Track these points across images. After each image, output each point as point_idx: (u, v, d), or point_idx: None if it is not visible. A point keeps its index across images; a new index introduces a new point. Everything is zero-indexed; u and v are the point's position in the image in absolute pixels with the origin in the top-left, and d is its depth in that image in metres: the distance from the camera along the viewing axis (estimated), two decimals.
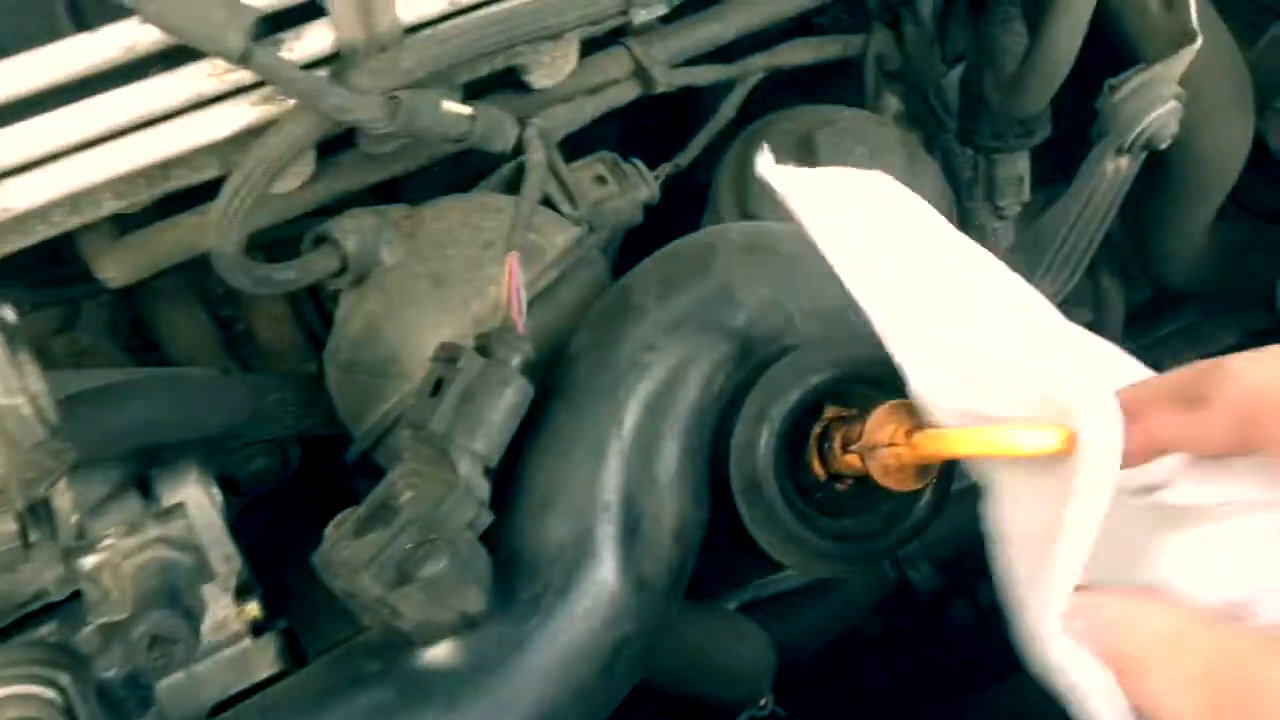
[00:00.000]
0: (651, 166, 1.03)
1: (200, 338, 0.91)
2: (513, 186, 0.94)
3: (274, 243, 0.78)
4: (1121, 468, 0.38)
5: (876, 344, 0.68)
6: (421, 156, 0.75)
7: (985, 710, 1.20)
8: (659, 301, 0.68)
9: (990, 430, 0.58)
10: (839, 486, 0.67)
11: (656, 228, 1.04)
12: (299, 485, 0.95)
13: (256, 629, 0.73)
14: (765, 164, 0.45)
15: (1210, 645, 0.33)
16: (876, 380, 0.66)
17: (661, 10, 0.76)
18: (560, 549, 0.64)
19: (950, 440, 0.60)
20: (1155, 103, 0.81)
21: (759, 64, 1.00)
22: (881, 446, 0.63)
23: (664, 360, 0.66)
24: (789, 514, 0.65)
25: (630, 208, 0.97)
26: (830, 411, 0.67)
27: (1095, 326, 1.32)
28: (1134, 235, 1.17)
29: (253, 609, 0.73)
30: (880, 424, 0.65)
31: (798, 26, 1.05)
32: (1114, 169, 0.85)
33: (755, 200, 0.95)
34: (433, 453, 0.61)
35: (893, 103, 1.16)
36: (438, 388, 0.62)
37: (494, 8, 0.63)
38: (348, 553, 0.60)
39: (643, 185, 0.98)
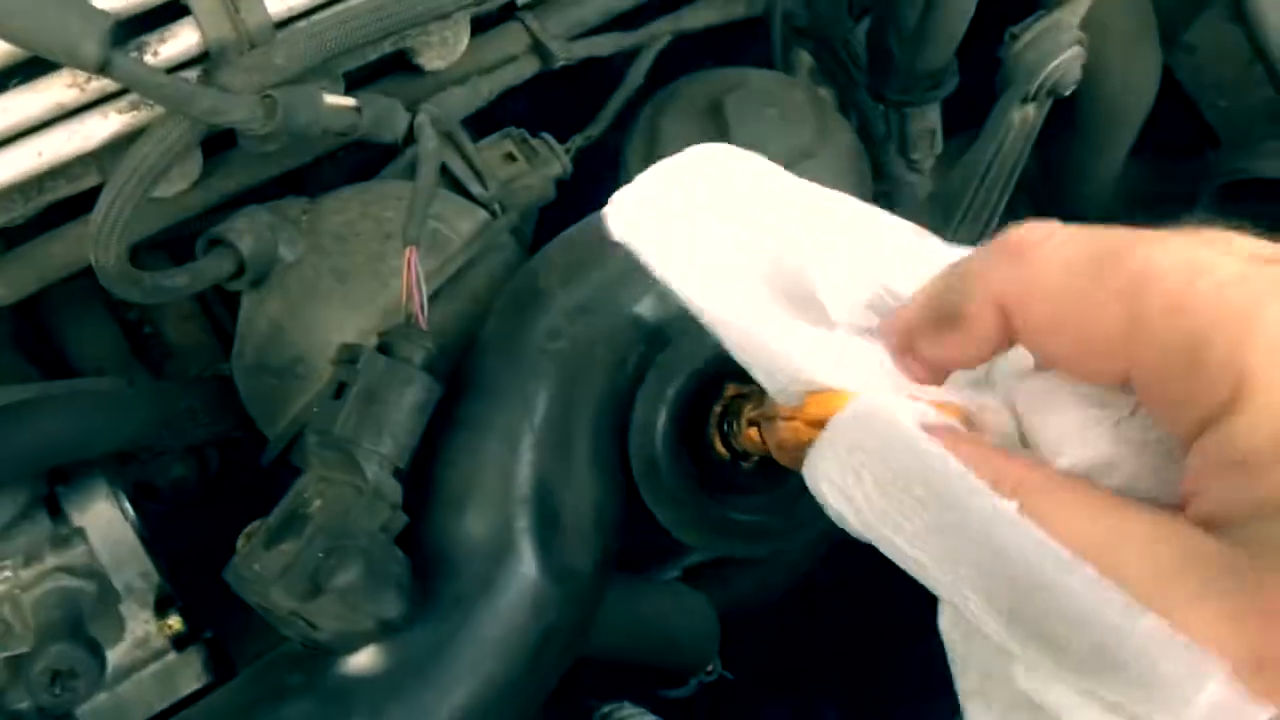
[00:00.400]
0: (565, 137, 1.02)
1: (107, 345, 0.89)
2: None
3: (183, 238, 0.76)
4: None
5: None
6: (314, 150, 0.73)
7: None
8: (564, 287, 0.67)
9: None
10: (744, 465, 0.67)
11: (573, 200, 1.03)
12: (231, 486, 0.93)
13: (180, 642, 0.72)
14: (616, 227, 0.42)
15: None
16: None
17: None
18: (479, 545, 0.63)
19: (841, 402, 0.60)
20: (1057, 49, 0.81)
21: (664, 28, 0.99)
22: (780, 418, 0.63)
23: (572, 347, 0.65)
24: (688, 493, 0.65)
25: (542, 184, 0.95)
26: (731, 389, 0.66)
27: None
28: (1047, 178, 1.17)
29: (174, 623, 0.72)
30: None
31: None
32: (1021, 118, 0.84)
33: None
34: (340, 457, 0.60)
35: (805, 59, 1.15)
36: (340, 391, 0.61)
37: None
38: (258, 566, 0.59)
39: (554, 160, 0.96)
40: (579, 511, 0.65)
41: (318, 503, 0.60)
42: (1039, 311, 0.32)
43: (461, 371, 0.67)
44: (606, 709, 0.97)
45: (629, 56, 1.00)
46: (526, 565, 0.63)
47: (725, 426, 0.67)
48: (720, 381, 0.66)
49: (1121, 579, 0.29)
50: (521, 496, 0.63)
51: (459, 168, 0.90)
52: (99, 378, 0.82)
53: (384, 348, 0.62)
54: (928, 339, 0.37)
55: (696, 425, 0.67)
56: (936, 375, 0.38)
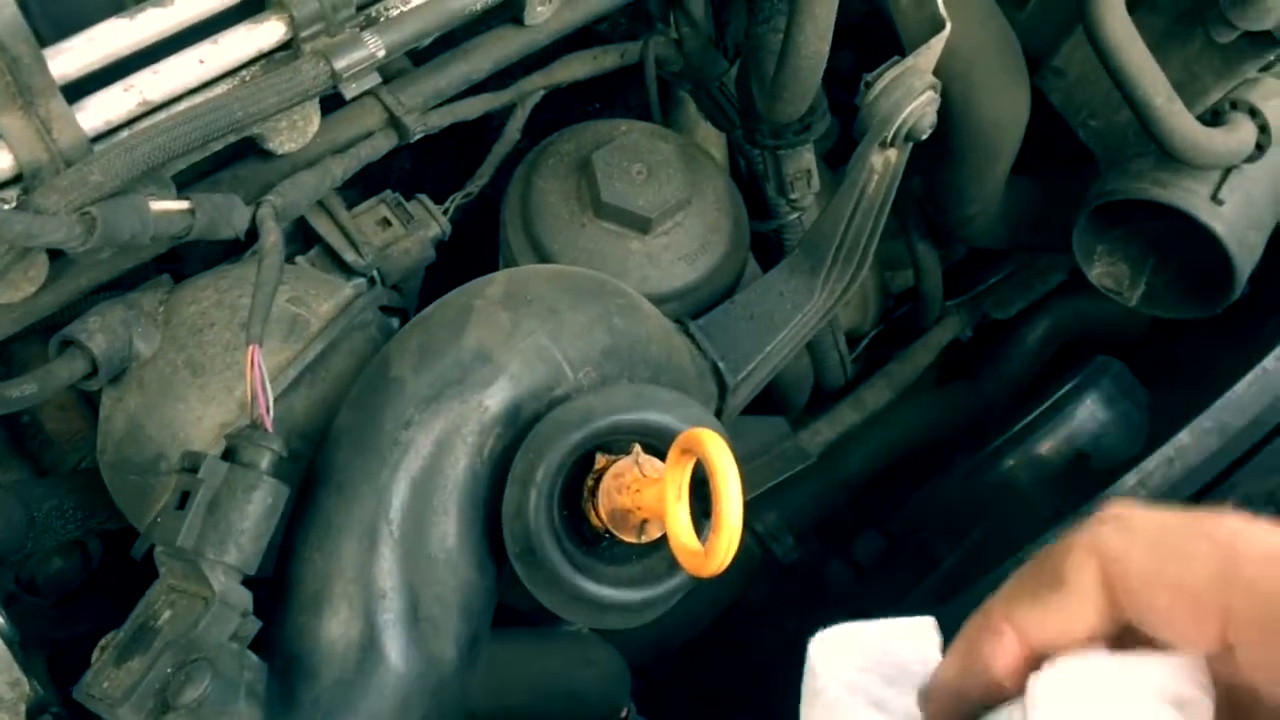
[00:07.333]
0: (453, 191, 1.02)
1: None
2: (293, 238, 0.91)
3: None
4: (996, 690, 0.37)
5: (636, 394, 0.68)
6: (159, 248, 0.72)
7: None
8: (415, 373, 0.67)
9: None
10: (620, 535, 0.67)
11: (466, 252, 1.03)
12: (121, 573, 0.92)
13: None
14: None
15: None
16: (642, 431, 0.66)
17: (373, 81, 0.73)
18: (339, 644, 0.62)
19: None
20: (909, 95, 0.81)
21: (536, 83, 0.99)
22: (624, 490, 0.63)
23: (426, 434, 0.65)
24: (568, 574, 0.65)
25: (420, 247, 0.95)
26: (601, 461, 0.66)
27: (919, 288, 1.35)
28: (932, 201, 1.18)
29: None
30: (627, 465, 0.65)
31: (580, 36, 1.02)
32: (882, 162, 0.85)
33: (540, 223, 0.94)
34: (186, 568, 0.60)
35: (691, 103, 1.16)
36: (184, 501, 0.60)
37: (186, 103, 0.60)
38: (107, 685, 0.58)
39: (431, 222, 0.96)
40: (442, 600, 0.65)
41: (167, 614, 0.60)
42: (1138, 561, 0.34)
43: (316, 466, 0.67)
44: None
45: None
46: (387, 662, 0.62)
47: (597, 499, 0.67)
48: (591, 455, 0.66)
49: None
50: (379, 593, 0.63)
51: (334, 237, 0.90)
52: None
53: (228, 453, 0.62)
54: (1025, 609, 0.37)
55: (572, 499, 0.67)
56: (1020, 666, 0.37)
